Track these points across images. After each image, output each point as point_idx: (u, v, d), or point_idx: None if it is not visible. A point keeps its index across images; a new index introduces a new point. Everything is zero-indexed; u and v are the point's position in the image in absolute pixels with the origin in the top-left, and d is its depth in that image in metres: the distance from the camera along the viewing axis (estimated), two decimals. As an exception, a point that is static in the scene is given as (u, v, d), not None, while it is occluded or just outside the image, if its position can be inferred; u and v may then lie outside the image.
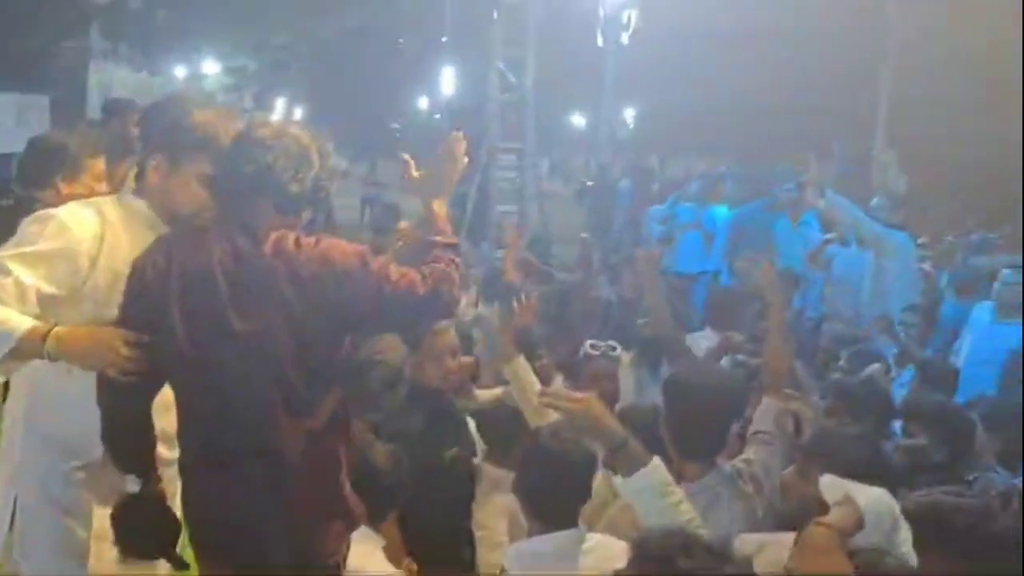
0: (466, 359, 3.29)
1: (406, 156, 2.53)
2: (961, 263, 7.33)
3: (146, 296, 2.19)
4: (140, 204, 2.39)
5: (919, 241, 17.07)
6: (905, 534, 1.84)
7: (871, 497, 1.81)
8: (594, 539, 2.37)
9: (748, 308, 4.82)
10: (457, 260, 2.29)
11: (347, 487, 2.31)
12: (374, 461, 2.58)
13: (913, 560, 1.83)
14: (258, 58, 25.59)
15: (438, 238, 2.33)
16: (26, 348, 2.13)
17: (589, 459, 2.41)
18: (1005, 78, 14.93)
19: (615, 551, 2.16)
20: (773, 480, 2.54)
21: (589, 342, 3.38)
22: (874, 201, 6.87)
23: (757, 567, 2.14)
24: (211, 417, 2.20)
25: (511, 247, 5.42)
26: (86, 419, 2.27)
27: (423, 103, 41.32)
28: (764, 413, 2.78)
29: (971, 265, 6.96)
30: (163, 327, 2.15)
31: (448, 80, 16.49)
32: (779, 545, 2.19)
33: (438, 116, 34.22)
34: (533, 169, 11.14)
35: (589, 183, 17.87)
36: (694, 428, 2.55)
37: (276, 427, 2.16)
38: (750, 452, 2.67)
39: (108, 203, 2.43)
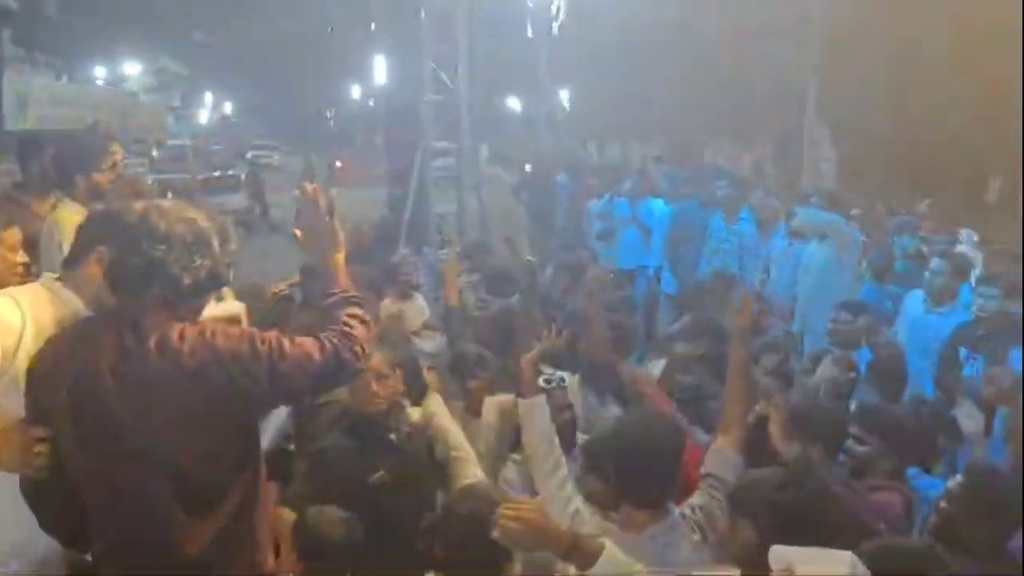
0: (392, 384, 3.24)
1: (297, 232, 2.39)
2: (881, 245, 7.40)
3: (41, 389, 2.12)
4: (68, 294, 2.27)
5: (852, 212, 17.45)
6: None
7: (820, 565, 1.81)
8: None
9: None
10: (361, 314, 2.23)
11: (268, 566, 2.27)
12: (328, 534, 2.54)
13: None
14: (180, 58, 24.96)
15: (338, 293, 2.27)
16: None
17: None
18: (932, 55, 15.30)
19: None
20: (717, 526, 2.54)
21: (542, 377, 3.37)
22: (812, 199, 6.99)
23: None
24: (111, 514, 2.13)
25: (449, 282, 5.38)
26: (21, 519, 2.19)
27: (356, 92, 40.92)
28: (715, 455, 2.76)
29: (890, 247, 6.96)
30: (56, 423, 2.09)
31: (380, 68, 16.25)
32: None
33: (372, 103, 33.89)
34: (472, 164, 11.04)
35: (528, 167, 17.88)
36: (640, 480, 2.53)
37: (175, 526, 2.10)
38: (697, 498, 2.66)
39: (29, 293, 2.32)
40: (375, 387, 3.15)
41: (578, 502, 2.70)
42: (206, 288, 2.21)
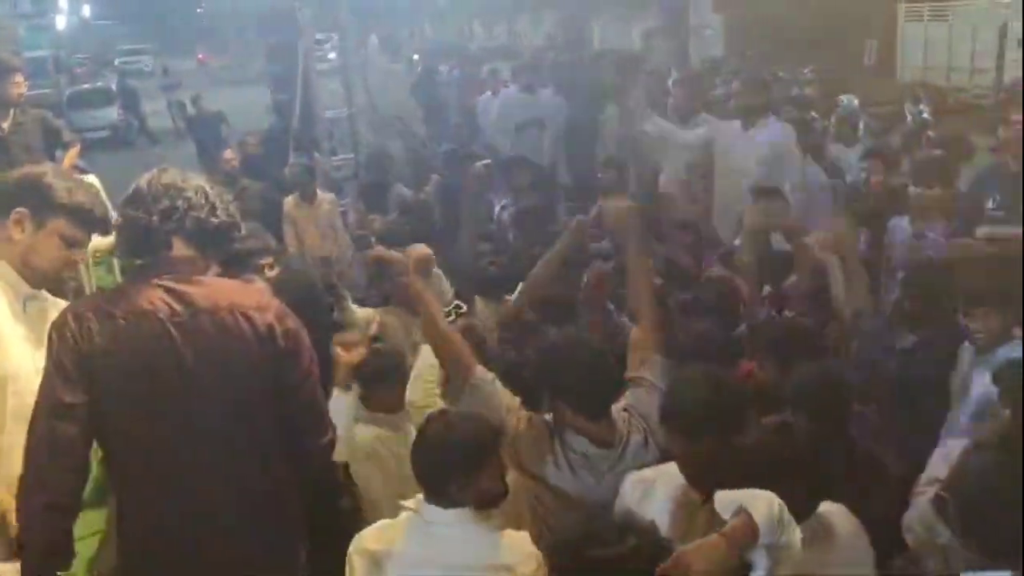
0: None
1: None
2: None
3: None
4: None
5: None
6: (796, 533, 1.89)
7: (762, 504, 1.87)
8: None
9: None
10: None
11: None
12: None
13: (800, 555, 1.91)
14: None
15: None
16: None
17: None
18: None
19: None
20: (653, 423, 2.58)
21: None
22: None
23: (656, 503, 2.31)
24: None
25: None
26: None
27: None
28: (639, 363, 2.76)
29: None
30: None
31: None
32: (668, 476, 2.37)
33: (245, -4, 32.00)
34: (358, 58, 10.64)
35: (415, 56, 17.37)
36: (587, 394, 2.53)
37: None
38: (628, 398, 2.67)
39: None
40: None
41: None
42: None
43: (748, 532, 1.82)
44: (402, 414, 3.14)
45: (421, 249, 3.22)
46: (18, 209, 2.29)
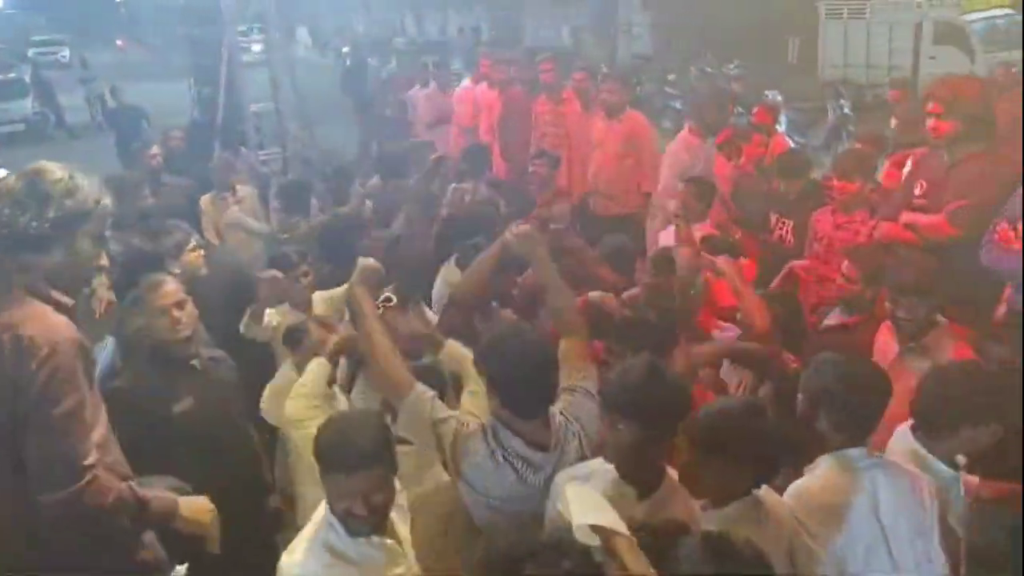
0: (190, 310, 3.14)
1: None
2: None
3: None
4: None
5: (669, 78, 17.85)
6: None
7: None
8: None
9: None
10: None
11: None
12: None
13: None
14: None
15: None
16: None
17: None
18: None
19: None
20: (589, 428, 2.59)
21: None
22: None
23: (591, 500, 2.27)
24: None
25: None
26: None
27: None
28: (575, 373, 2.74)
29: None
30: None
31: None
32: (601, 472, 2.38)
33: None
34: (285, 51, 10.41)
35: (345, 49, 17.16)
36: (524, 390, 2.49)
37: None
38: (563, 402, 2.64)
39: None
40: (176, 314, 3.05)
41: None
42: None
43: None
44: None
45: (370, 262, 3.18)
46: None
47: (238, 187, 6.35)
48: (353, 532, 2.24)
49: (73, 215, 2.19)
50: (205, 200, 6.21)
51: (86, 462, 2.10)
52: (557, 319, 2.93)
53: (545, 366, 2.52)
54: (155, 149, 7.05)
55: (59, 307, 2.20)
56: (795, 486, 2.51)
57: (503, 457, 2.48)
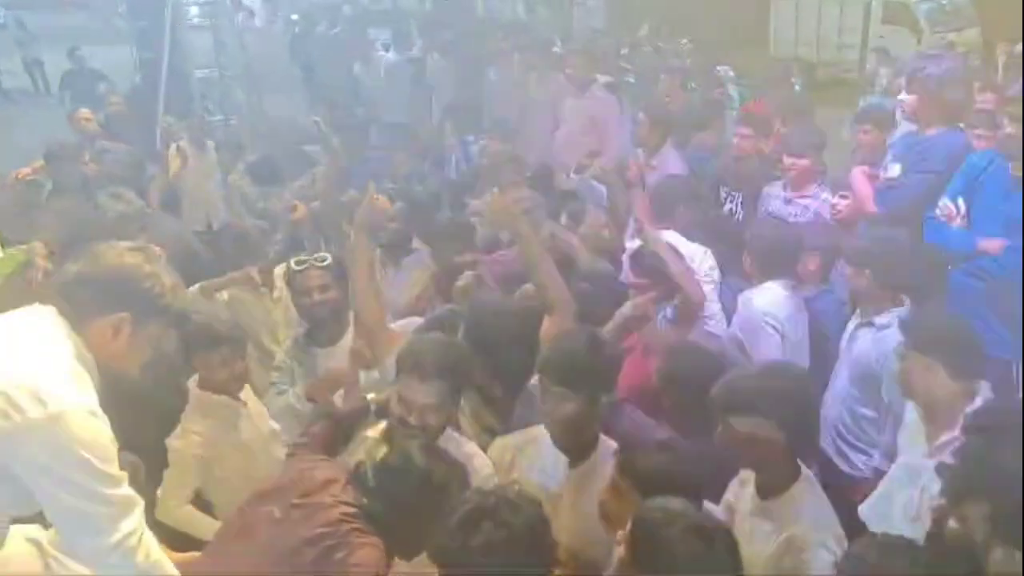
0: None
1: None
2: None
3: None
4: None
5: (622, 52, 17.81)
6: None
7: None
8: None
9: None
10: None
11: None
12: None
13: None
14: None
15: None
16: None
17: None
18: None
19: None
20: None
21: (293, 260, 3.32)
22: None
23: (525, 468, 2.34)
24: None
25: None
26: None
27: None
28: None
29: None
30: None
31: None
32: (536, 440, 2.44)
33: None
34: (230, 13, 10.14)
35: (294, 16, 16.75)
36: (504, 358, 2.54)
37: None
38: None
39: None
40: None
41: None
42: None
43: None
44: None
45: (383, 201, 3.16)
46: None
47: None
48: None
49: None
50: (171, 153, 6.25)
51: None
52: (542, 293, 2.85)
53: (529, 338, 2.62)
54: (86, 112, 6.77)
55: None
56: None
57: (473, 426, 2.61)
